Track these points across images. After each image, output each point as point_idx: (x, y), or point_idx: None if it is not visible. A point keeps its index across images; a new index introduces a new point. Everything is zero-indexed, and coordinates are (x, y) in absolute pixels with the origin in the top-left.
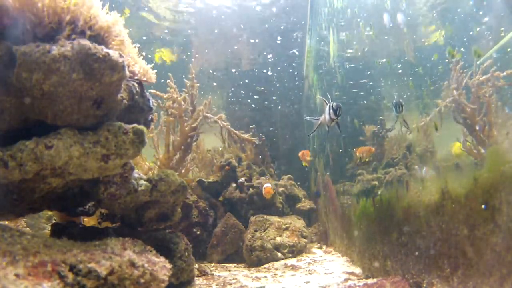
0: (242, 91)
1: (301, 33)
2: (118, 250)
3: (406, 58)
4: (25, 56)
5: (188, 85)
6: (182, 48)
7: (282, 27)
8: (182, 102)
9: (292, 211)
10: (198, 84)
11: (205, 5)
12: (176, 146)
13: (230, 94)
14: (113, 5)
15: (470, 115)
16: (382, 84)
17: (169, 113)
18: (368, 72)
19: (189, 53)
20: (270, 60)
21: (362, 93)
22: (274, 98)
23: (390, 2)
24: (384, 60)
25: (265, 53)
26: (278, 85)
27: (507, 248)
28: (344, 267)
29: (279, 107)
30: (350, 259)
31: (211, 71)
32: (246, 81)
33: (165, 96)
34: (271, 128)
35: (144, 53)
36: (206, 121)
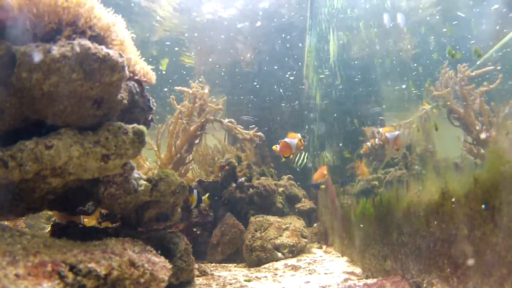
0: (241, 91)
1: (302, 32)
2: (118, 250)
3: (408, 63)
4: (25, 56)
5: (196, 89)
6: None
7: (282, 26)
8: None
9: (292, 211)
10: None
11: (205, 6)
12: (179, 146)
13: (230, 92)
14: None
15: (465, 116)
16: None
17: (180, 112)
18: (368, 72)
19: (184, 50)
20: (270, 59)
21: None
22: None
23: (390, 2)
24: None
25: (265, 53)
26: (278, 85)
27: (507, 248)
28: (344, 267)
29: (279, 107)
30: (350, 259)
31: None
32: (246, 80)
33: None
34: (271, 128)
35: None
36: (219, 124)
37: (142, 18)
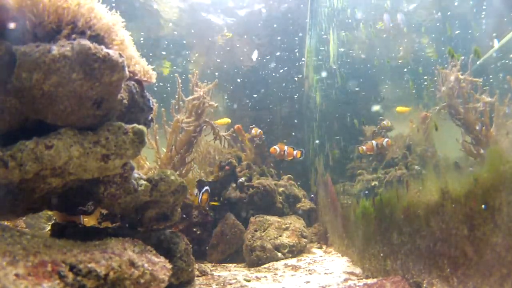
0: (241, 91)
1: (302, 33)
2: (118, 250)
3: (401, 61)
4: (25, 56)
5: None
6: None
7: (282, 27)
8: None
9: (292, 211)
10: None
11: (204, 6)
12: (178, 146)
13: (230, 93)
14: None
15: (466, 116)
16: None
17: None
18: (368, 72)
19: (188, 52)
20: (270, 60)
21: (363, 93)
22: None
23: (390, 2)
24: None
25: (265, 53)
26: (278, 85)
27: (507, 248)
28: (344, 267)
29: (279, 107)
30: (350, 259)
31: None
32: (246, 80)
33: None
34: (271, 128)
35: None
36: (211, 128)
37: (144, 19)
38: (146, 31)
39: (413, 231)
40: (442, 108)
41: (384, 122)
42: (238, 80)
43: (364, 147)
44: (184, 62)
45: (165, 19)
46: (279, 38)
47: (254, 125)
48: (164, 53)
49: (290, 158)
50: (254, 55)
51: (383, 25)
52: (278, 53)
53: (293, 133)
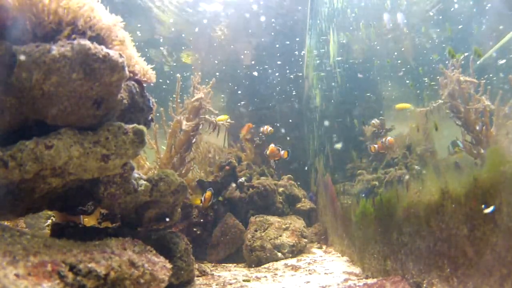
0: (242, 91)
1: (302, 32)
2: (118, 250)
3: (401, 62)
4: (25, 56)
5: (196, 88)
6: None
7: (282, 27)
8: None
9: (292, 211)
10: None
11: (205, 7)
12: (178, 146)
13: (229, 92)
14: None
15: (466, 116)
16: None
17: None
18: (368, 73)
19: (183, 48)
20: (270, 60)
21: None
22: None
23: (390, 2)
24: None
25: (265, 53)
26: (278, 86)
27: (507, 248)
28: (344, 267)
29: (279, 107)
30: (350, 259)
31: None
32: (247, 83)
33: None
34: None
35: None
36: (210, 125)
37: (144, 18)
38: (145, 29)
39: (413, 231)
40: (441, 106)
41: (373, 121)
42: (238, 80)
43: (376, 146)
44: (183, 59)
45: (164, 17)
46: (279, 38)
47: (254, 125)
48: (162, 48)
49: (277, 159)
50: (255, 73)
51: (385, 27)
52: (278, 53)
53: (290, 120)
